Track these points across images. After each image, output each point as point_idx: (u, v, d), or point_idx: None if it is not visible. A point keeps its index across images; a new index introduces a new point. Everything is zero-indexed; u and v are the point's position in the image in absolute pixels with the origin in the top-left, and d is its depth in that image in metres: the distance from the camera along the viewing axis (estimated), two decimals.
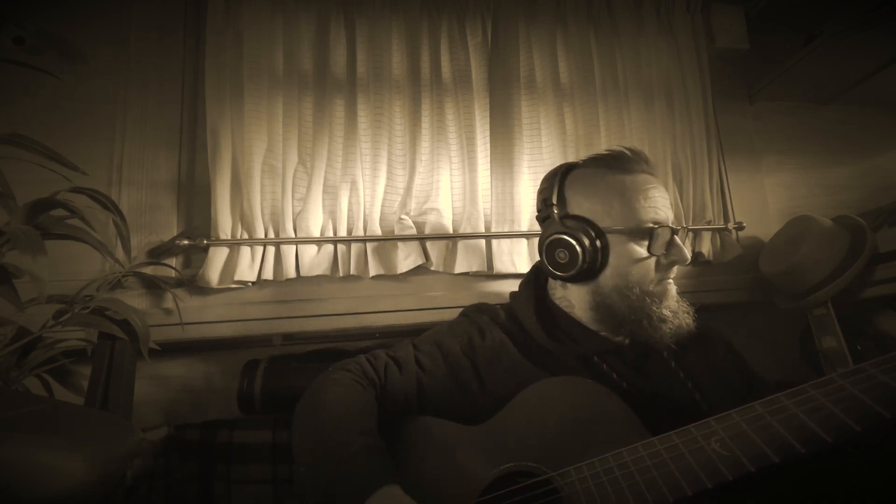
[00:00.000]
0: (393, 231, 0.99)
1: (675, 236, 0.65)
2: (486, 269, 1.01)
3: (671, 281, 0.66)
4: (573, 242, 0.64)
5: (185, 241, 0.89)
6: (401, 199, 1.01)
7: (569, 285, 0.69)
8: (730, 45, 1.21)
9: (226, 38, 0.97)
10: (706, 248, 1.10)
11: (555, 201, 0.69)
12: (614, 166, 0.68)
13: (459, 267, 0.98)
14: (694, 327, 0.64)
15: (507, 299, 0.78)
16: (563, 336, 0.68)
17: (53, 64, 0.94)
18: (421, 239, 0.99)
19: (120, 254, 0.83)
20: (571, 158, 1.08)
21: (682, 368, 0.65)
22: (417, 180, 1.02)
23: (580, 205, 0.67)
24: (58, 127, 0.92)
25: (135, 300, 0.86)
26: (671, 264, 0.65)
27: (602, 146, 1.09)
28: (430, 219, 1.00)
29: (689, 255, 0.65)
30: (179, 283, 0.90)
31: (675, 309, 0.64)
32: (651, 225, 0.63)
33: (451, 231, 1.01)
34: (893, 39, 1.09)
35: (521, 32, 1.11)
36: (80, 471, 0.42)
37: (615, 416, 0.51)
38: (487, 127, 1.05)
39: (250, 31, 0.98)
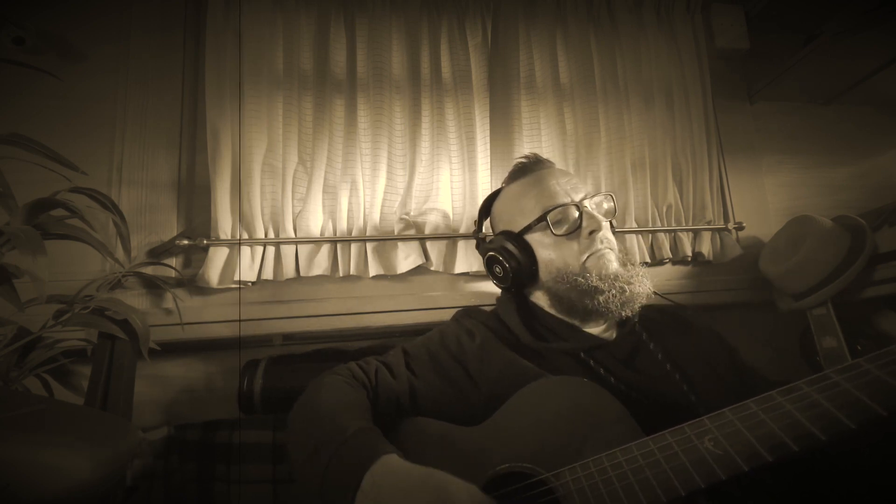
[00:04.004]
0: (393, 231, 0.99)
1: (585, 204, 0.68)
2: (485, 269, 1.01)
3: (605, 251, 0.67)
4: (498, 256, 0.71)
5: (185, 241, 0.89)
6: (401, 199, 1.01)
7: (535, 292, 0.74)
8: (730, 45, 1.21)
9: (226, 38, 0.97)
10: (706, 248, 1.10)
11: (482, 229, 0.80)
12: (516, 177, 0.76)
13: (459, 267, 0.98)
14: (652, 292, 0.66)
15: None
16: (549, 334, 0.68)
17: (53, 64, 0.94)
18: (421, 239, 0.99)
19: (120, 254, 0.83)
20: (571, 159, 1.08)
21: (671, 362, 0.64)
22: (417, 180, 1.02)
23: (501, 220, 0.77)
24: (58, 127, 0.92)
25: (135, 300, 0.86)
26: (590, 234, 0.67)
27: (602, 146, 1.09)
28: (430, 219, 1.00)
29: (602, 218, 0.68)
30: (179, 283, 0.90)
31: (614, 276, 0.64)
32: (552, 208, 0.67)
33: (451, 231, 1.01)
34: (893, 39, 1.09)
35: (521, 32, 1.11)
36: (79, 471, 0.42)
37: (609, 416, 0.51)
38: (487, 127, 1.05)
39: (250, 31, 0.98)
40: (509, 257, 0.70)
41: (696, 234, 1.11)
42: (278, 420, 0.82)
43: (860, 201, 1.28)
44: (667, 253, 1.08)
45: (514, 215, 0.73)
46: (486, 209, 0.81)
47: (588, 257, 0.66)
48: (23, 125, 0.78)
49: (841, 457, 0.47)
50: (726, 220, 1.15)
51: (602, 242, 0.67)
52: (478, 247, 0.80)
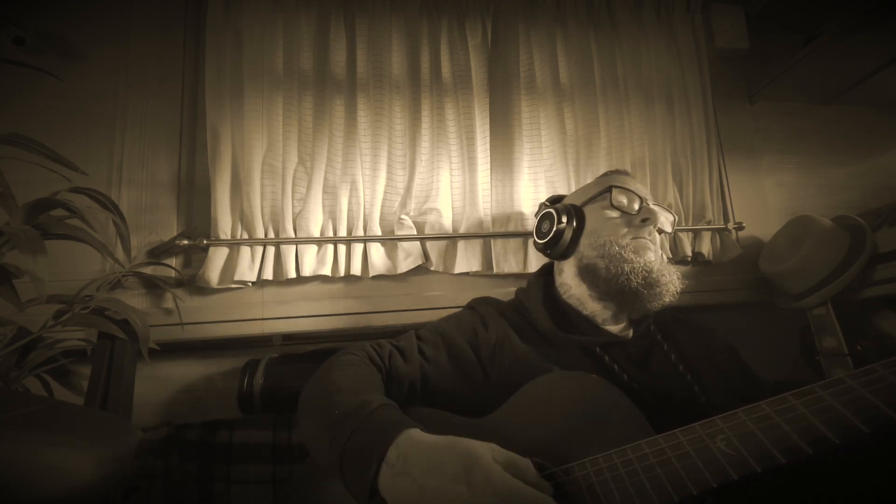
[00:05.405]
0: (393, 231, 0.99)
1: (647, 203, 0.72)
2: (485, 269, 1.01)
3: (648, 242, 0.70)
4: (551, 212, 0.76)
5: (185, 241, 0.89)
6: (401, 199, 1.01)
7: (564, 268, 0.75)
8: (730, 45, 1.21)
9: (226, 38, 0.97)
10: (706, 248, 1.10)
11: (547, 203, 0.83)
12: (597, 178, 0.82)
13: (459, 267, 0.98)
14: (678, 292, 0.68)
15: (507, 299, 0.79)
16: (568, 326, 0.69)
17: (53, 64, 0.94)
18: (421, 239, 0.99)
19: (120, 254, 0.83)
20: (571, 159, 1.08)
21: (684, 364, 0.65)
22: (417, 180, 1.02)
23: (567, 201, 0.81)
24: (58, 127, 0.92)
25: (135, 300, 0.86)
26: (643, 221, 0.70)
27: (602, 146, 1.09)
28: (430, 219, 1.00)
29: (660, 216, 0.72)
30: (179, 283, 0.90)
31: (648, 259, 0.67)
32: (618, 186, 0.73)
33: (451, 231, 1.01)
34: (893, 39, 1.09)
35: (521, 33, 1.11)
36: (80, 471, 0.42)
37: (620, 413, 0.51)
38: (487, 127, 1.05)
39: (250, 31, 0.98)
40: (562, 216, 0.74)
41: (696, 234, 1.11)
42: (278, 420, 0.82)
43: (860, 201, 1.28)
44: (667, 253, 1.07)
45: (580, 194, 0.79)
46: (557, 199, 0.85)
47: (632, 239, 0.69)
48: (23, 125, 0.79)
49: (850, 458, 0.47)
50: (726, 220, 1.15)
51: (649, 235, 0.70)
52: (536, 214, 0.84)
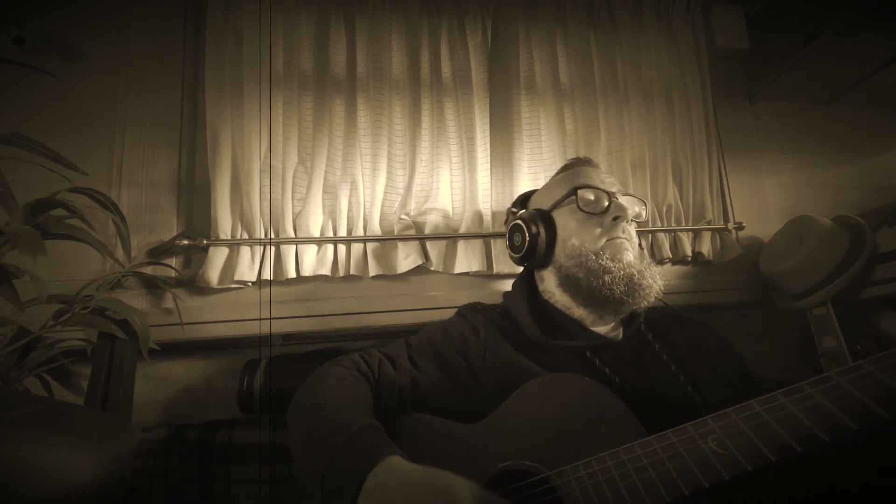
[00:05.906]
0: (393, 231, 0.99)
1: (617, 195, 0.70)
2: (485, 269, 1.01)
3: (623, 241, 0.68)
4: (520, 223, 0.73)
5: (185, 241, 0.89)
6: (401, 199, 1.01)
7: (545, 277, 0.74)
8: (730, 45, 1.21)
9: (226, 38, 0.97)
10: (706, 248, 1.10)
11: (515, 209, 0.81)
12: (558, 172, 0.80)
13: (459, 267, 0.98)
14: (662, 290, 0.67)
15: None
16: (556, 331, 0.69)
17: (53, 64, 0.94)
18: (421, 239, 0.99)
19: (120, 254, 0.83)
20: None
21: (676, 363, 0.64)
22: (417, 180, 1.02)
23: (534, 203, 0.79)
24: (58, 127, 0.92)
25: (135, 300, 0.86)
26: (614, 220, 0.68)
27: (602, 146, 1.09)
28: (430, 219, 1.01)
29: (629, 210, 0.70)
30: (179, 283, 0.90)
31: (626, 263, 0.65)
32: (584, 186, 0.71)
33: (451, 231, 1.01)
34: (893, 39, 1.09)
35: (521, 33, 1.11)
36: (80, 471, 0.42)
37: (612, 414, 0.51)
38: (487, 127, 1.05)
39: (250, 30, 0.98)
40: (532, 227, 0.71)
41: (695, 234, 1.11)
42: (278, 420, 0.82)
43: (860, 201, 1.28)
44: (667, 253, 1.08)
45: (547, 197, 0.76)
46: (524, 200, 0.83)
47: (607, 241, 0.67)
48: (23, 125, 0.78)
49: (840, 455, 0.47)
50: (726, 220, 1.15)
51: (623, 232, 0.69)
52: (506, 222, 0.82)
